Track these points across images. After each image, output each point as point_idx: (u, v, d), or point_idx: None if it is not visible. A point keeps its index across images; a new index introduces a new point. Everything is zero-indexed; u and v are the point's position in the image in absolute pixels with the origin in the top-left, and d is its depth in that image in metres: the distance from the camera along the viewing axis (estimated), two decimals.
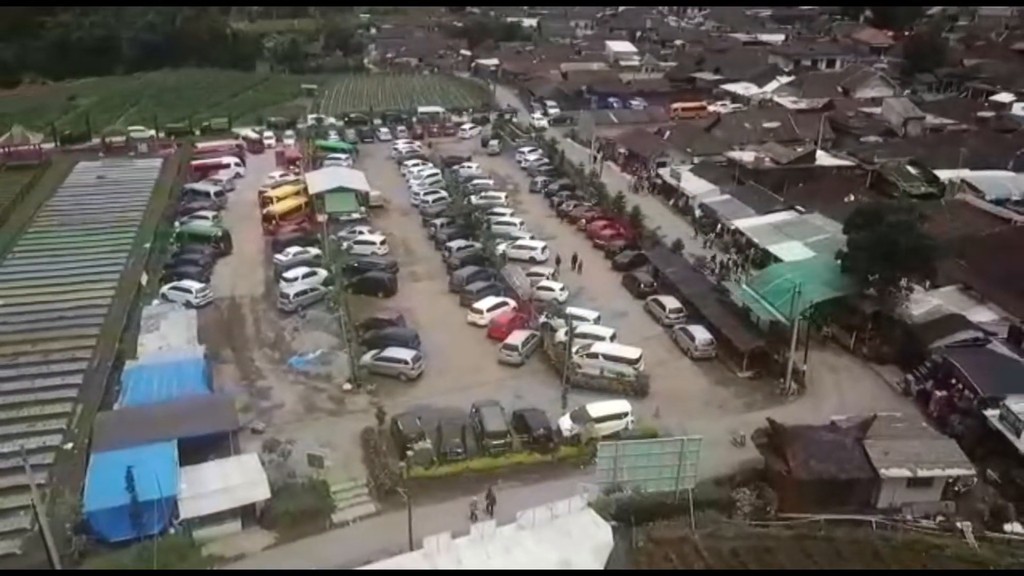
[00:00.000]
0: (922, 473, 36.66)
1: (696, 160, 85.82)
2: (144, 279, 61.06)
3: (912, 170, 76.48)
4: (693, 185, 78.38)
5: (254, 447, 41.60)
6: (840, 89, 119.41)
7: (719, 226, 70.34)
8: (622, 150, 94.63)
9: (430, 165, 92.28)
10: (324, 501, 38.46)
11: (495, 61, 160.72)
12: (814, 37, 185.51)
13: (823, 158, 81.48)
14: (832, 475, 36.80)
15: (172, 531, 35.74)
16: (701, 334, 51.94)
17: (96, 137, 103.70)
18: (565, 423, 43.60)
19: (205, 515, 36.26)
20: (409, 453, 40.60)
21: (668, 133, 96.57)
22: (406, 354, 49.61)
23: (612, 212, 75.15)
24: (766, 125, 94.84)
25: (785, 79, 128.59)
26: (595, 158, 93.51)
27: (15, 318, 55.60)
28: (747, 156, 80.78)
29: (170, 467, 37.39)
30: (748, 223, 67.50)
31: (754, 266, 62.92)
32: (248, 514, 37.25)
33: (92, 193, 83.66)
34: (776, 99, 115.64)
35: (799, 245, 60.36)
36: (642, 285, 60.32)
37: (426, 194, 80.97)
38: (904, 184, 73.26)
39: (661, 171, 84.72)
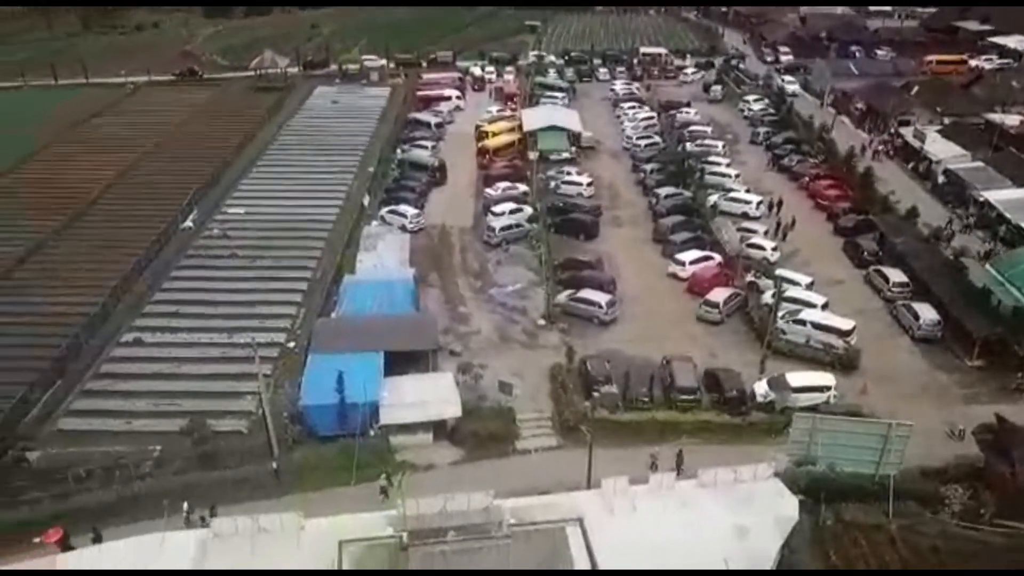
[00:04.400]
0: None
1: (946, 121, 76.84)
2: (366, 201, 65.36)
3: None
4: (939, 148, 70.44)
5: (450, 367, 43.75)
6: None
7: (966, 196, 62.87)
8: (859, 105, 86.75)
9: (646, 108, 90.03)
10: (510, 427, 39.84)
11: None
12: None
13: None
14: None
15: (372, 434, 38.59)
16: (927, 313, 47.24)
17: (334, 64, 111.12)
18: (760, 388, 41.74)
19: (402, 424, 38.79)
20: (595, 395, 40.84)
21: (916, 88, 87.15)
22: (601, 297, 49.50)
23: (840, 171, 69.54)
24: None
25: None
26: (828, 111, 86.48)
27: (254, 225, 61.71)
28: (1011, 119, 70.97)
29: (375, 376, 40.23)
30: (1002, 195, 59.83)
31: (1004, 244, 55.85)
32: (439, 428, 39.44)
33: (326, 116, 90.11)
34: None
35: None
36: (865, 253, 55.63)
37: (639, 138, 79.28)
38: None
39: (902, 130, 76.83)
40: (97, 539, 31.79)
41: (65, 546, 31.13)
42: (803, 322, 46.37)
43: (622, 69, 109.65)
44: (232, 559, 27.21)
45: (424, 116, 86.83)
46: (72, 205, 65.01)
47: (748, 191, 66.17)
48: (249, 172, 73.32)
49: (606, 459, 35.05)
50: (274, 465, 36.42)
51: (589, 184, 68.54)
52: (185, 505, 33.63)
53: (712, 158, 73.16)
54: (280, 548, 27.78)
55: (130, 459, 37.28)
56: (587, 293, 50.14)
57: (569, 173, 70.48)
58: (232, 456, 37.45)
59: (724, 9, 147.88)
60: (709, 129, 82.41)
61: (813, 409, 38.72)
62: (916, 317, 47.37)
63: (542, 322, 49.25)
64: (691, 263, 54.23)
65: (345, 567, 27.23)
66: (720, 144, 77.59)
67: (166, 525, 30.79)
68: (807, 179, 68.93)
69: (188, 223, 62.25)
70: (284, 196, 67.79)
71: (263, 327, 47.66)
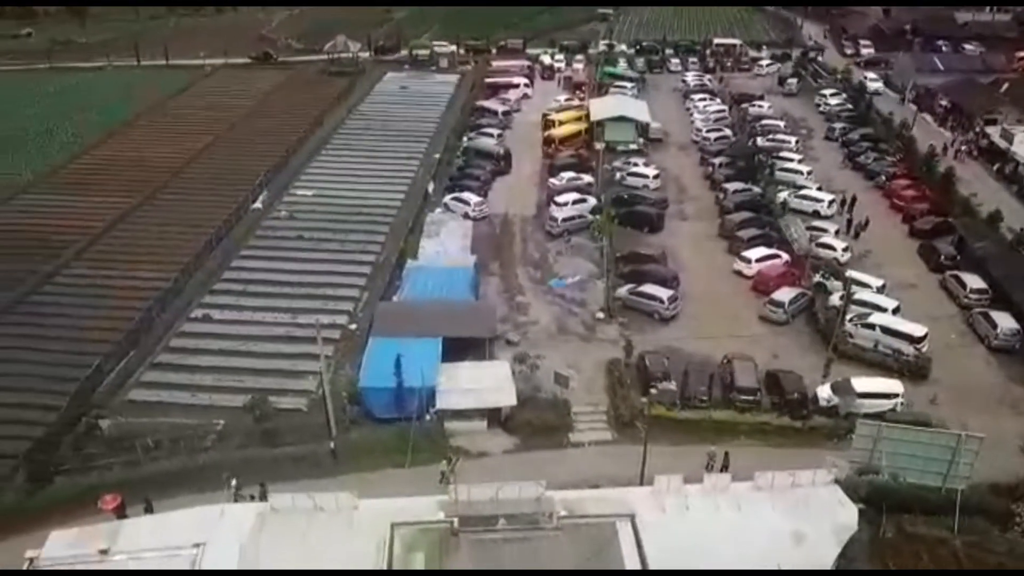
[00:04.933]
0: None
1: None
2: (431, 187, 65.86)
3: None
4: None
5: (507, 356, 43.88)
6: None
7: None
8: (943, 102, 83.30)
9: (717, 101, 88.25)
10: (564, 419, 39.79)
11: None
12: None
13: None
14: None
15: (427, 418, 39.00)
16: (1006, 322, 45.23)
17: (404, 49, 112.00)
18: (823, 392, 40.67)
19: (457, 410, 39.10)
20: (652, 391, 40.33)
21: (1005, 86, 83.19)
22: (663, 293, 48.85)
23: (919, 171, 66.94)
24: None
25: None
26: (909, 107, 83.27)
27: (321, 208, 62.86)
28: None
29: (433, 361, 40.60)
30: None
31: None
32: (494, 416, 39.64)
33: (395, 102, 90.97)
34: None
35: None
36: (942, 257, 53.56)
37: (709, 131, 77.80)
38: None
39: (988, 130, 73.44)
40: (148, 509, 32.93)
41: (120, 514, 32.39)
42: (872, 326, 44.92)
43: (694, 60, 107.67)
44: (287, 534, 27.89)
45: (491, 104, 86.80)
46: (150, 183, 67.29)
47: (820, 189, 64.30)
48: (318, 155, 74.65)
49: (660, 456, 34.72)
50: (331, 445, 37.17)
51: (656, 176, 67.61)
52: (234, 482, 34.54)
53: (784, 153, 71.28)
54: (334, 527, 28.34)
55: (195, 432, 38.59)
56: (649, 288, 49.54)
57: (635, 165, 69.66)
58: (291, 434, 38.36)
59: None
60: (782, 123, 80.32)
61: (878, 416, 37.48)
62: (993, 326, 45.38)
63: (601, 315, 48.90)
64: (757, 261, 53.06)
65: (396, 549, 27.61)
66: (793, 139, 75.53)
67: (224, 499, 31.75)
68: (883, 178, 66.57)
69: (258, 204, 63.80)
70: (351, 180, 68.81)
71: (326, 308, 48.50)
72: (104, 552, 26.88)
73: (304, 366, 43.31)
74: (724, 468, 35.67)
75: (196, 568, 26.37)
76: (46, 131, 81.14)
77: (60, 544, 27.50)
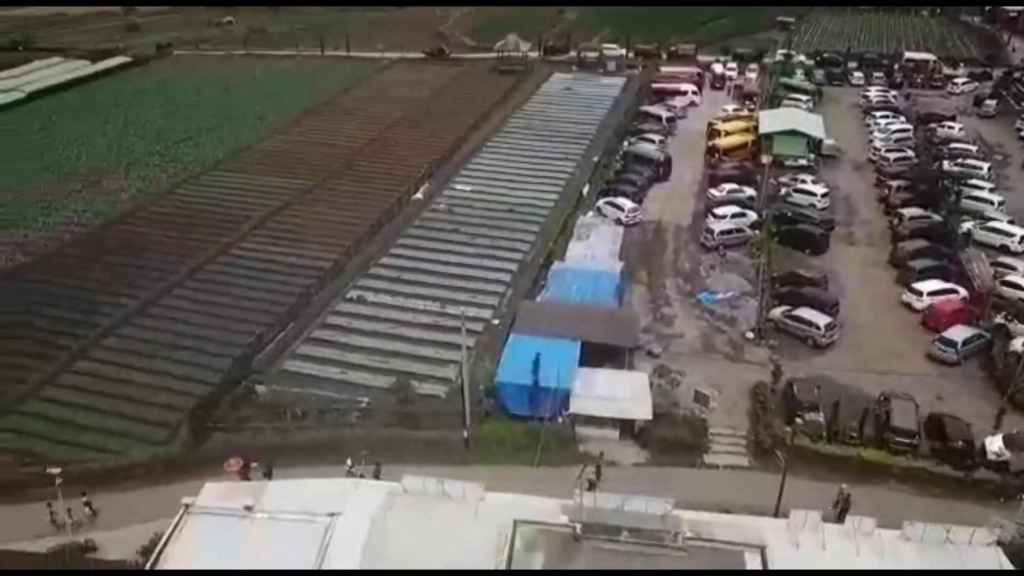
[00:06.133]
0: None
1: None
2: (585, 190, 65.75)
3: None
4: None
5: (646, 368, 43.04)
6: None
7: None
8: None
9: (901, 119, 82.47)
10: (700, 439, 38.56)
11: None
12: None
13: None
14: None
15: (559, 420, 38.97)
16: None
17: (573, 51, 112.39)
18: (994, 444, 37.07)
19: (590, 416, 38.78)
20: (798, 420, 38.32)
21: None
22: (820, 319, 46.24)
23: None
24: None
25: None
26: None
27: (477, 204, 64.39)
28: None
29: (571, 364, 40.56)
30: None
31: None
32: (627, 427, 38.99)
33: (559, 103, 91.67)
34: None
35: None
36: None
37: (888, 151, 72.83)
38: None
39: None
40: (267, 475, 34.85)
41: (244, 476, 34.49)
42: None
43: (880, 74, 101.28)
44: (414, 516, 28.67)
45: (656, 109, 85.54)
46: (323, 168, 71.57)
47: (1012, 222, 58.40)
48: (479, 152, 76.43)
49: (799, 490, 33.05)
50: (465, 434, 37.96)
51: (824, 195, 64.13)
52: (349, 460, 35.88)
53: (973, 181, 65.56)
54: (459, 515, 28.80)
55: (341, 406, 40.63)
56: (805, 312, 47.05)
57: (804, 181, 66.40)
58: (428, 418, 39.52)
59: (1014, 12, 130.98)
60: (974, 148, 73.92)
61: None
62: None
63: (751, 336, 46.97)
64: (930, 294, 49.14)
65: (517, 546, 27.69)
66: (985, 166, 69.29)
67: (340, 474, 33.05)
68: None
69: (419, 195, 66.19)
70: (508, 178, 69.94)
71: (472, 301, 49.59)
72: (249, 508, 28.75)
73: (446, 355, 44.50)
74: (845, 509, 33.31)
75: (327, 534, 27.69)
76: (238, 114, 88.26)
77: (213, 495, 29.69)
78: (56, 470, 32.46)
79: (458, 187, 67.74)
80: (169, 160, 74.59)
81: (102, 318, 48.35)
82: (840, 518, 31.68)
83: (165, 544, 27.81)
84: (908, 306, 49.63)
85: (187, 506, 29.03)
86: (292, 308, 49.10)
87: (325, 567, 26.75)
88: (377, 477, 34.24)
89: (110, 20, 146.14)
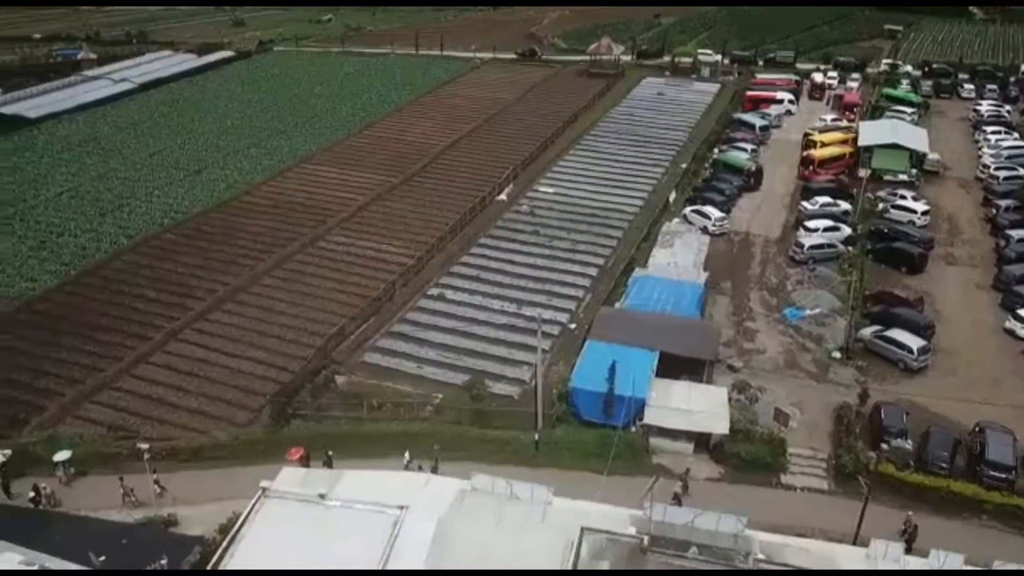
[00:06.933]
0: None
1: None
2: (672, 197, 64.66)
3: None
4: None
5: (725, 382, 41.97)
6: None
7: None
8: None
9: (1015, 135, 77.99)
10: (778, 459, 37.33)
11: None
12: None
13: None
14: None
15: (633, 430, 38.42)
16: None
17: (667, 55, 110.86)
18: None
19: (664, 427, 38.08)
20: (884, 446, 36.73)
21: None
22: (914, 342, 44.12)
23: None
24: None
25: None
26: None
27: (559, 207, 64.18)
28: None
29: (647, 373, 39.86)
30: None
31: None
32: (702, 441, 38.11)
33: (649, 107, 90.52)
34: None
35: None
36: None
37: (998, 168, 68.97)
38: None
39: None
40: (328, 464, 35.41)
41: (304, 465, 35.05)
42: None
43: (994, 87, 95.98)
44: (482, 515, 28.75)
45: (749, 117, 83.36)
46: (411, 165, 72.74)
47: None
48: (566, 154, 76.18)
49: (880, 518, 31.69)
50: (536, 436, 37.85)
51: (925, 212, 61.24)
52: (407, 455, 36.17)
53: None
54: (526, 518, 28.76)
55: (415, 400, 41.18)
56: (897, 333, 45.00)
57: (903, 197, 63.54)
58: (500, 418, 39.60)
59: None
60: None
61: None
62: None
63: (837, 355, 45.22)
64: None
65: (583, 553, 27.48)
66: None
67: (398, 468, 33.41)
68: None
69: (502, 196, 66.47)
70: (593, 182, 69.45)
71: (550, 304, 49.53)
72: (322, 496, 29.47)
73: (521, 356, 44.52)
74: (912, 539, 31.66)
75: (396, 527, 28.07)
76: (330, 109, 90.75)
77: (289, 480, 30.58)
78: (145, 445, 34.04)
79: (541, 189, 67.69)
80: (265, 152, 77.25)
81: (195, 302, 50.42)
82: (908, 548, 30.21)
83: (242, 524, 28.80)
84: (1012, 333, 46.90)
85: (264, 489, 29.96)
86: (374, 302, 50.05)
87: (392, 559, 27.14)
88: (435, 472, 34.42)
89: (217, 16, 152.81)
